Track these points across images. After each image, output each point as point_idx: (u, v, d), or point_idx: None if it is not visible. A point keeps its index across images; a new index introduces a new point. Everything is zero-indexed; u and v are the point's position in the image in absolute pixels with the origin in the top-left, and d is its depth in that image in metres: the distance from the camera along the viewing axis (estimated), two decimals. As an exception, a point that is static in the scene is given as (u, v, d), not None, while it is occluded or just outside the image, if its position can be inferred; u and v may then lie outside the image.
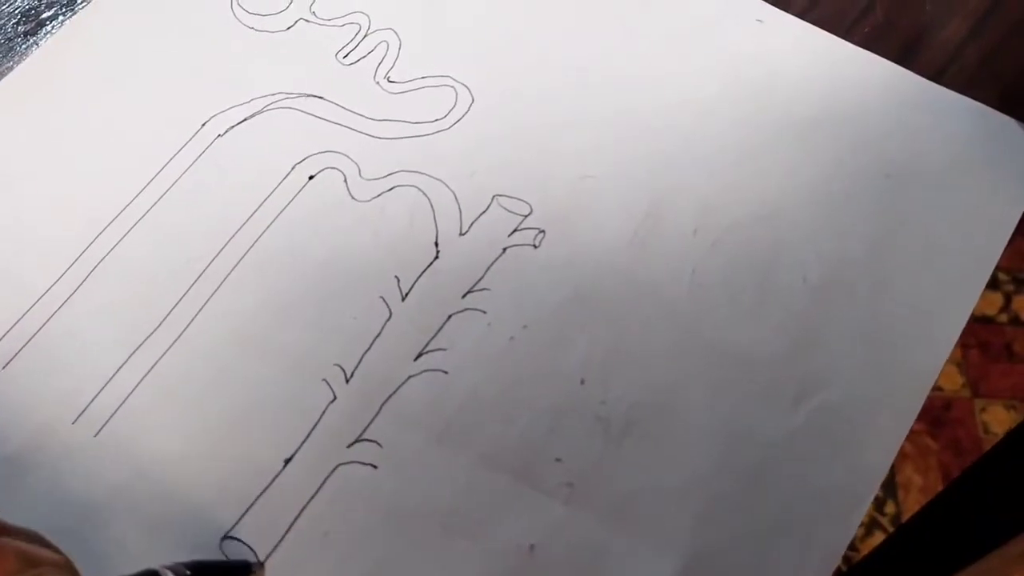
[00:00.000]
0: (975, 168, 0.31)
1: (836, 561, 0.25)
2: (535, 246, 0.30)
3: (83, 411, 0.28)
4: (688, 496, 0.26)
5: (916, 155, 0.31)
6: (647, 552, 0.25)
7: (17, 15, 0.34)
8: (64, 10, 0.34)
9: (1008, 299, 0.78)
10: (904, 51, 0.33)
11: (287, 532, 0.26)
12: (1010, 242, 0.30)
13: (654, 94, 0.32)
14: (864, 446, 0.26)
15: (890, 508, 0.67)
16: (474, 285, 0.29)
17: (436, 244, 0.30)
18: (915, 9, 0.34)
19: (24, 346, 0.29)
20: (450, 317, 0.29)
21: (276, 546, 0.26)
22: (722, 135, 0.31)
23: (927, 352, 0.28)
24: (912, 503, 0.67)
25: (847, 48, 0.33)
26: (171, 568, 0.22)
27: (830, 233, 0.30)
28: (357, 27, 0.34)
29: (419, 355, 0.29)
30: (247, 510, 0.26)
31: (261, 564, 0.25)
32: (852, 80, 0.32)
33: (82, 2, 0.34)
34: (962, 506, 0.46)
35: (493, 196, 0.31)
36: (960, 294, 0.29)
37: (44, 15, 0.34)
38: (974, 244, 0.29)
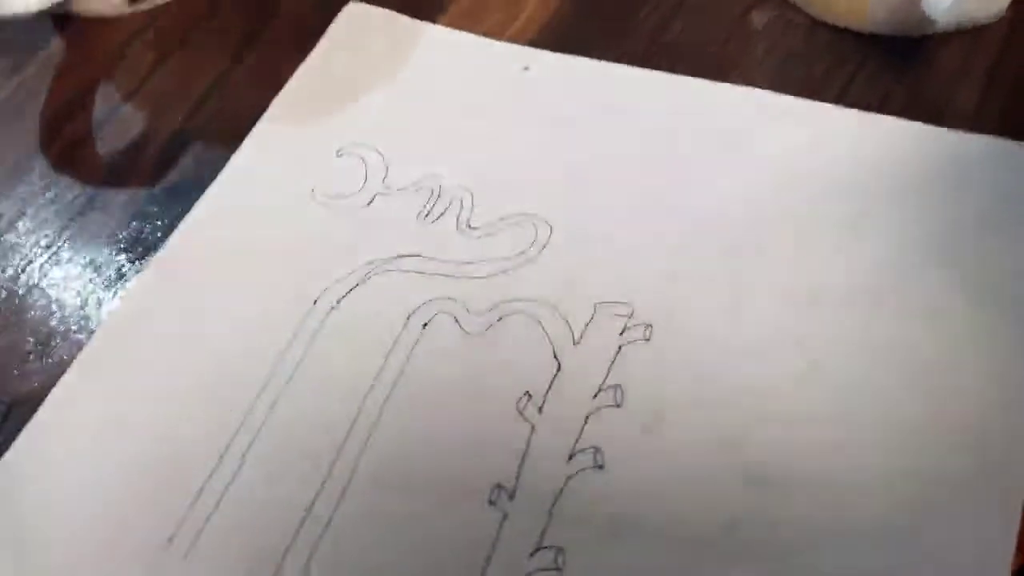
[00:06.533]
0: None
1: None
2: (646, 339, 0.33)
3: (271, 582, 0.29)
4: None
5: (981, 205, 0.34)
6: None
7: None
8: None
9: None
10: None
11: (494, 651, 0.27)
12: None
13: (718, 197, 0.36)
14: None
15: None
16: (602, 384, 0.32)
17: (555, 357, 0.33)
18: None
19: (198, 538, 0.30)
20: (588, 418, 0.31)
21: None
22: (784, 220, 0.35)
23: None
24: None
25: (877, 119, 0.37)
26: None
27: (933, 285, 0.32)
28: (430, 190, 0.38)
29: (571, 456, 0.30)
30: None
31: None
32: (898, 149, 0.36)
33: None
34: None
35: (594, 305, 0.34)
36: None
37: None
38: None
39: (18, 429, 0.33)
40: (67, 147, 0.43)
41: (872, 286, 0.33)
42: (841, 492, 0.29)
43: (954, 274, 0.33)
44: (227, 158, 0.40)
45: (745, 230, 0.35)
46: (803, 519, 0.29)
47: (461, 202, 0.38)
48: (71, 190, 0.41)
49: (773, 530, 0.28)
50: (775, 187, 0.36)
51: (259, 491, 0.31)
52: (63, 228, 0.40)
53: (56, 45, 0.47)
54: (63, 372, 0.34)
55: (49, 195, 0.41)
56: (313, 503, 0.30)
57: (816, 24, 0.41)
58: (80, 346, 0.35)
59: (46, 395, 0.34)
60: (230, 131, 0.42)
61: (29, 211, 0.40)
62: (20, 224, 0.40)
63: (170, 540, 0.30)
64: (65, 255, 0.39)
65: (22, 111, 0.44)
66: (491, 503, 0.30)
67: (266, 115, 0.42)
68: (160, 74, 0.46)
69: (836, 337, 0.32)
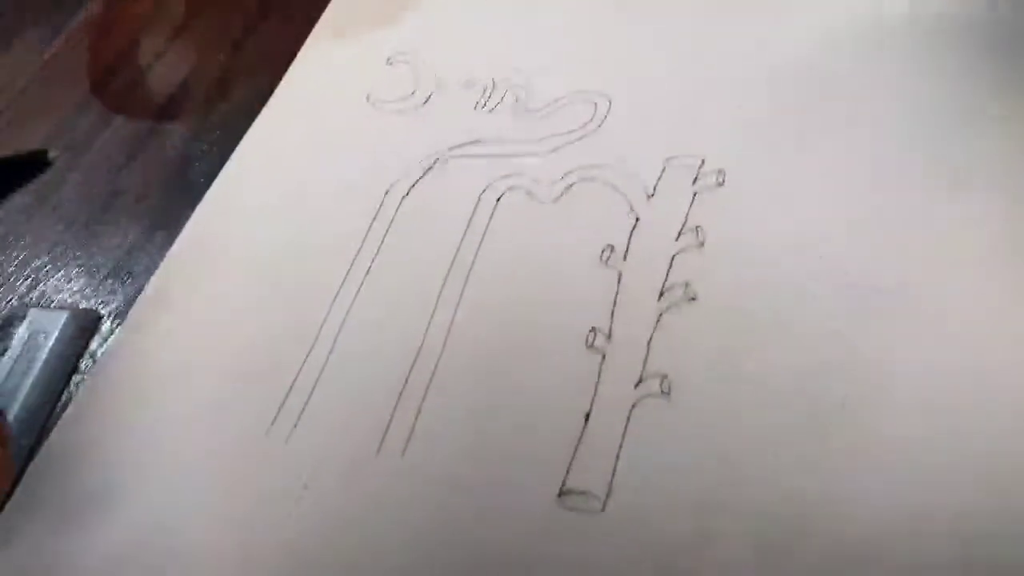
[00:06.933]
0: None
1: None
2: (720, 183, 0.33)
3: (381, 443, 0.30)
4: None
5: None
6: None
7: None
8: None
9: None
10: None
11: (614, 474, 0.27)
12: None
13: (775, 50, 0.36)
14: None
15: None
16: (682, 227, 0.32)
17: (632, 211, 0.33)
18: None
19: (300, 416, 0.31)
20: (673, 258, 0.31)
21: (610, 487, 0.27)
22: (845, 62, 0.35)
23: None
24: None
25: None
26: None
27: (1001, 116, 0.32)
28: (484, 83, 0.39)
29: (662, 294, 0.31)
30: (570, 465, 0.28)
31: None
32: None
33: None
34: None
35: (664, 160, 0.34)
36: None
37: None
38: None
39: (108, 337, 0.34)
40: (119, 92, 0.44)
41: (938, 117, 0.33)
42: (924, 309, 0.29)
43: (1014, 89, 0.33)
44: (275, 87, 0.41)
45: (805, 73, 0.35)
46: (901, 316, 0.29)
47: (517, 89, 0.38)
48: (129, 126, 0.42)
49: (873, 333, 0.28)
50: (831, 37, 0.36)
51: (354, 371, 0.31)
52: (127, 160, 0.40)
53: (91, 8, 0.48)
54: (144, 286, 0.35)
55: (107, 133, 0.41)
56: (410, 372, 0.31)
57: None
58: (158, 261, 0.36)
59: (131, 306, 0.34)
60: (273, 65, 0.42)
61: (93, 146, 0.41)
62: (84, 158, 0.41)
63: (271, 426, 0.31)
64: (133, 180, 0.39)
65: (70, 68, 0.45)
66: (589, 346, 0.30)
67: (310, 38, 0.42)
68: (197, 22, 0.47)
69: (903, 166, 0.32)
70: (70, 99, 0.44)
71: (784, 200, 0.32)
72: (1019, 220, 0.30)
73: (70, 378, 0.33)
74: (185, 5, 0.48)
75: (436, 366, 0.31)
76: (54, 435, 0.31)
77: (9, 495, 0.30)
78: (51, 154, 0.28)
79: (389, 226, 0.35)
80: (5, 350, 0.33)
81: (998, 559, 0.24)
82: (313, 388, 0.31)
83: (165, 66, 0.45)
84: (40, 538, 0.30)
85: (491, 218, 0.34)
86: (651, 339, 0.30)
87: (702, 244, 0.32)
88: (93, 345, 0.34)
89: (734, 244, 0.31)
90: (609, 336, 0.30)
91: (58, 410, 0.32)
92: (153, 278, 0.35)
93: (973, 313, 0.28)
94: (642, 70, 0.37)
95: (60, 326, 0.34)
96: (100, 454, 0.31)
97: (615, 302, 0.31)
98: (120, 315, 0.34)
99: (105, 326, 0.34)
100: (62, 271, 0.36)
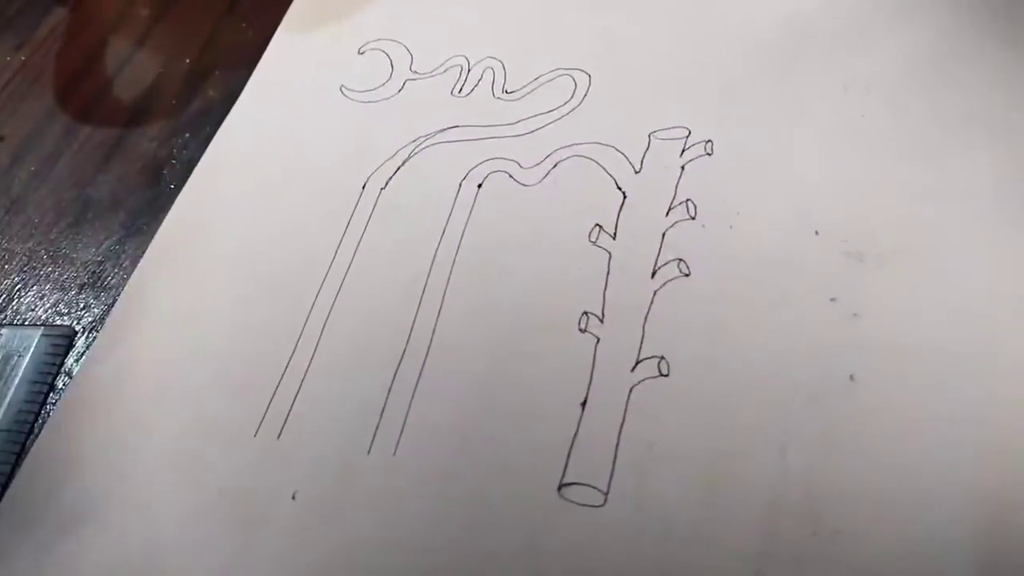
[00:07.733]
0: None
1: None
2: (709, 154, 0.32)
3: (372, 442, 0.28)
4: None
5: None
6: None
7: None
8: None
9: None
10: None
11: (614, 463, 0.26)
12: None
13: (759, 14, 0.35)
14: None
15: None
16: (672, 202, 0.31)
17: (619, 188, 0.32)
18: None
19: (287, 419, 0.30)
20: (665, 234, 0.30)
21: (611, 476, 0.26)
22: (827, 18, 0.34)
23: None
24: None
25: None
26: None
27: (996, 52, 0.31)
28: (459, 67, 0.37)
29: (654, 273, 0.29)
30: (568, 457, 0.26)
31: None
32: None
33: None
34: None
35: (648, 135, 0.33)
36: None
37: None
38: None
39: (84, 352, 0.32)
40: (87, 100, 0.42)
41: (934, 78, 0.32)
42: (928, 277, 0.28)
43: (1016, 37, 0.32)
44: (245, 84, 0.40)
45: (792, 39, 0.34)
46: (905, 284, 0.27)
47: (493, 72, 0.37)
48: (98, 134, 0.40)
49: (871, 301, 0.27)
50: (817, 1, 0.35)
51: (340, 370, 0.30)
52: (97, 169, 0.39)
53: (56, 16, 0.47)
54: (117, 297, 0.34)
55: (76, 143, 0.40)
56: (398, 368, 0.30)
57: None
58: (131, 271, 0.34)
59: (105, 319, 0.33)
60: (243, 61, 0.41)
61: (62, 156, 0.40)
62: (53, 170, 0.39)
63: (257, 432, 0.29)
64: (104, 190, 0.38)
65: (37, 79, 0.44)
66: (581, 330, 0.29)
67: (278, 32, 0.41)
68: (164, 23, 0.45)
69: (898, 129, 0.31)
70: (36, 109, 0.42)
71: (776, 169, 0.31)
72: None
73: (47, 397, 0.32)
74: (151, 6, 0.47)
75: (424, 360, 0.30)
76: (32, 455, 0.30)
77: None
78: None
79: (369, 219, 0.34)
80: (-22, 372, 0.32)
81: (1011, 538, 0.23)
82: (299, 389, 0.30)
83: (133, 70, 0.43)
84: (25, 559, 0.28)
85: (474, 204, 0.33)
86: (646, 319, 0.29)
87: (693, 218, 0.30)
88: (69, 362, 0.33)
89: (727, 216, 0.30)
90: (602, 319, 0.29)
91: (36, 430, 0.31)
92: (127, 286, 0.33)
93: (980, 279, 0.27)
94: (620, 43, 0.36)
95: (34, 345, 0.33)
96: (81, 471, 0.29)
97: (606, 283, 0.30)
98: (95, 329, 0.33)
99: (80, 341, 0.33)
100: (34, 287, 0.35)
